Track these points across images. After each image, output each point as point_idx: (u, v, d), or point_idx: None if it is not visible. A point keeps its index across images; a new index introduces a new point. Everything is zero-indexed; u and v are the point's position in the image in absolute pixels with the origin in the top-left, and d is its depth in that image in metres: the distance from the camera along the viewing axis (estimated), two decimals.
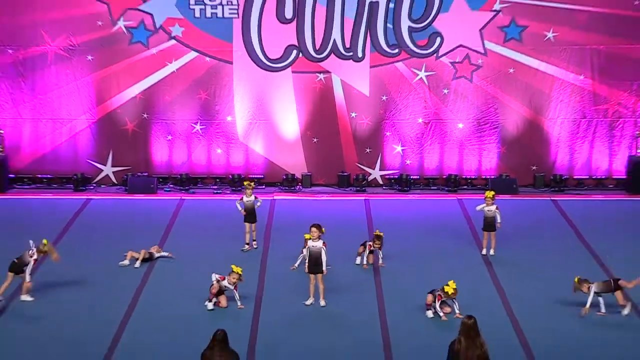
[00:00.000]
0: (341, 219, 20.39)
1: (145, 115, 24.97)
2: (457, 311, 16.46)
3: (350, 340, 15.77)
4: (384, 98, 24.85)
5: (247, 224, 20.04)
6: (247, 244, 20.03)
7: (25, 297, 17.25)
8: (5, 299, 17.05)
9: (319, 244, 16.94)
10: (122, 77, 24.77)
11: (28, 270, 17.22)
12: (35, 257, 17.36)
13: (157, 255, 19.51)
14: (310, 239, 17.05)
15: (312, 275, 17.10)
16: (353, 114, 24.95)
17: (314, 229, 17.00)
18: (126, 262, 19.22)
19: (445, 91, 24.80)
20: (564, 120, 24.91)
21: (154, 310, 16.93)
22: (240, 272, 17.09)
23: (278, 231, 19.94)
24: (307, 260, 17.10)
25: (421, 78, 24.73)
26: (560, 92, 24.76)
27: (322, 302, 17.14)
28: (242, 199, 20.16)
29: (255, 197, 20.18)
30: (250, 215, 20.05)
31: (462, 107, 24.90)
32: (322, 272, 16.98)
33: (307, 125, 25.05)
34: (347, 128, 25.03)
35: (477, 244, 20.48)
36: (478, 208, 19.93)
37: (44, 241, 17.68)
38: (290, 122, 25.02)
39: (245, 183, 20.56)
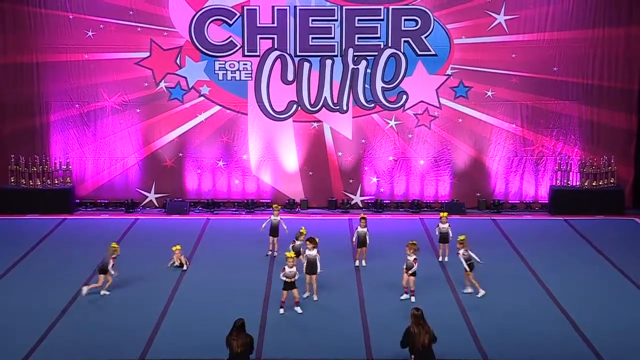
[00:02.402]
0: (330, 234, 20.34)
1: (180, 154, 24.96)
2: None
3: (336, 322, 15.93)
4: (363, 141, 24.87)
5: (270, 237, 20.00)
6: (271, 250, 19.96)
7: (105, 292, 17.40)
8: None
9: (314, 252, 17.19)
10: (163, 126, 24.78)
11: (110, 268, 17.45)
12: (113, 256, 17.62)
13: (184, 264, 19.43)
14: (304, 234, 18.06)
15: (308, 276, 17.29)
16: (340, 153, 24.96)
17: (308, 242, 17.29)
18: (176, 262, 19.24)
19: (410, 136, 24.83)
20: (501, 158, 24.94)
21: (187, 308, 16.89)
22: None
23: (283, 243, 19.88)
24: (305, 265, 17.22)
25: (391, 126, 24.76)
26: (498, 137, 24.81)
27: (315, 297, 17.22)
28: (270, 218, 20.19)
29: (281, 219, 20.12)
30: (274, 230, 20.09)
31: (423, 148, 24.93)
32: (316, 273, 17.19)
33: (304, 162, 25.05)
34: (335, 164, 25.05)
35: (434, 252, 20.49)
36: (436, 229, 19.87)
37: (113, 244, 17.83)
38: (291, 159, 25.03)
39: (273, 206, 20.64)
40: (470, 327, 15.70)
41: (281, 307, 16.33)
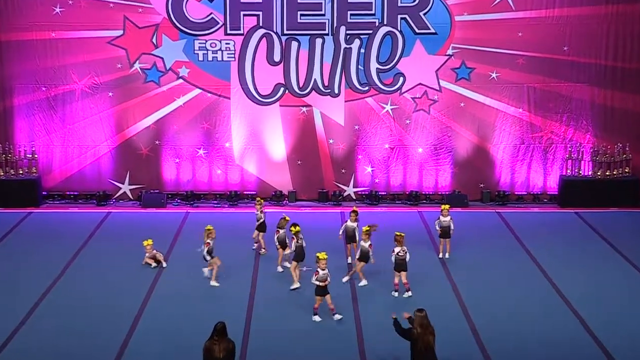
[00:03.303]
0: (321, 228, 20.32)
1: (157, 142, 24.86)
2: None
3: (327, 323, 16.01)
4: (357, 127, 24.82)
5: (256, 231, 20.01)
6: (256, 242, 20.04)
7: (214, 283, 17.92)
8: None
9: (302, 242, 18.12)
10: (137, 110, 24.65)
11: (205, 254, 17.89)
12: (208, 241, 18.00)
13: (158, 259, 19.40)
14: (287, 220, 18.68)
15: (295, 264, 18.01)
16: (331, 141, 24.91)
17: (293, 228, 18.18)
18: (154, 264, 19.16)
19: (408, 121, 24.79)
20: (506, 146, 24.93)
21: (164, 307, 16.85)
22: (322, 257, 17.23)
23: (270, 238, 19.86)
24: (295, 254, 18.07)
25: (387, 111, 24.72)
26: (503, 122, 24.78)
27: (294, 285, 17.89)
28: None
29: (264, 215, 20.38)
30: (260, 226, 20.15)
31: (422, 134, 24.89)
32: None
33: (292, 150, 24.99)
34: (326, 152, 24.99)
35: (434, 249, 20.47)
36: (436, 223, 19.87)
37: (208, 227, 18.01)
38: (278, 147, 24.97)
39: (256, 199, 20.68)
40: (473, 329, 15.71)
41: (315, 313, 16.07)
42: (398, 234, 17.78)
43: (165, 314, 16.47)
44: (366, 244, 17.86)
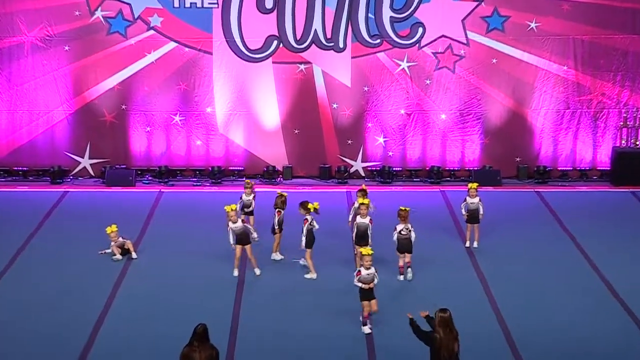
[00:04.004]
0: (322, 211, 20.26)
1: (123, 107, 24.80)
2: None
3: (333, 323, 16.15)
4: (366, 89, 24.77)
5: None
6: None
7: (257, 271, 18.34)
8: None
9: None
10: (99, 68, 24.57)
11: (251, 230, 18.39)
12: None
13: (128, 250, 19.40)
14: (285, 195, 19.04)
15: (307, 251, 18.20)
16: (334, 105, 24.86)
17: (300, 208, 18.35)
18: (118, 256, 19.14)
19: (428, 82, 24.73)
20: (548, 111, 24.89)
21: (133, 305, 16.85)
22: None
23: (260, 225, 19.84)
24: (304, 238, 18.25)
25: (403, 69, 24.65)
26: (544, 83, 24.72)
27: (312, 275, 18.13)
28: (241, 197, 20.21)
29: (254, 197, 20.38)
30: (248, 213, 20.18)
31: (445, 98, 24.84)
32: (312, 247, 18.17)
33: (287, 117, 24.95)
34: (329, 119, 24.95)
35: (460, 236, 20.45)
36: (462, 206, 19.88)
37: (232, 206, 18.16)
38: (270, 113, 24.91)
39: (246, 182, 20.49)
40: (506, 332, 15.73)
41: (364, 323, 15.82)
42: (403, 208, 18.09)
43: (134, 316, 16.45)
44: (365, 220, 18.03)
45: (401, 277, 18.06)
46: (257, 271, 18.24)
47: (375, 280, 15.84)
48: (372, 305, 15.84)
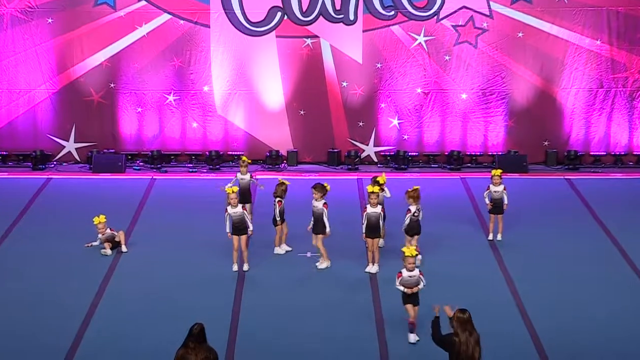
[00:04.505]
0: (331, 200, 20.23)
1: (112, 85, 24.82)
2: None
3: (340, 302, 16.61)
4: (379, 65, 24.75)
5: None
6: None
7: (245, 266, 18.34)
8: None
9: (319, 204, 18.33)
10: (86, 43, 24.60)
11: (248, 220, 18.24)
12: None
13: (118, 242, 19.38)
14: (287, 184, 19.06)
15: (314, 235, 18.38)
16: (344, 84, 24.85)
17: (314, 190, 18.38)
18: (108, 251, 19.14)
19: (447, 58, 24.72)
20: (579, 90, 24.86)
21: (122, 303, 16.85)
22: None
23: (261, 216, 19.83)
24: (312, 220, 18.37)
25: (420, 43, 24.63)
26: (575, 59, 24.71)
27: (325, 264, 18.42)
28: (236, 176, 20.29)
29: (252, 177, 20.50)
30: (244, 195, 19.93)
31: (466, 75, 24.83)
32: (322, 232, 18.27)
33: (292, 96, 24.96)
34: (338, 99, 24.95)
35: (482, 228, 20.44)
36: (485, 195, 19.85)
37: (234, 188, 18.30)
38: (274, 92, 24.92)
39: (242, 159, 20.55)
40: (533, 334, 15.70)
41: (411, 330, 15.46)
42: (415, 188, 18.48)
43: (124, 315, 16.43)
44: (377, 210, 18.05)
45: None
46: (246, 266, 18.23)
47: (421, 285, 15.45)
48: (415, 310, 15.43)
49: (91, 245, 19.34)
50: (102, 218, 19.37)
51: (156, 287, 17.58)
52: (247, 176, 20.32)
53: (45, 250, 19.24)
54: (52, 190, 23.19)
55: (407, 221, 18.36)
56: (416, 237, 18.38)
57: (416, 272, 15.45)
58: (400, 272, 15.51)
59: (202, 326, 12.60)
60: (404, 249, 15.72)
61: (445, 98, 24.98)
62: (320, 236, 18.32)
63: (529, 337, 15.66)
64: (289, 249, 19.18)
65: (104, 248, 19.14)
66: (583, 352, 15.20)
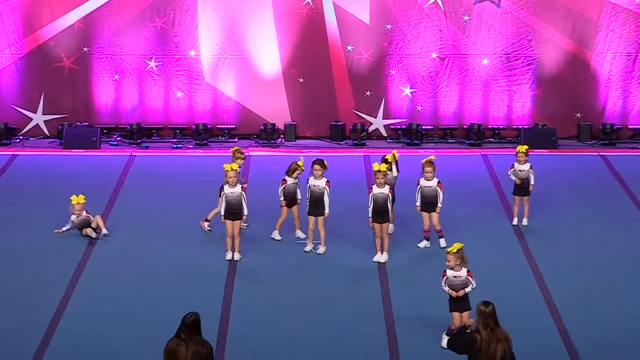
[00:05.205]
0: (334, 180, 20.30)
1: (85, 49, 24.89)
2: None
3: (348, 289, 16.69)
4: (389, 27, 24.80)
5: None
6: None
7: (237, 256, 18.35)
8: None
9: (321, 182, 18.41)
10: (56, 1, 24.65)
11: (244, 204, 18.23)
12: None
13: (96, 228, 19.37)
14: (302, 167, 18.92)
15: (311, 218, 18.41)
16: (349, 48, 24.90)
17: (316, 166, 18.44)
18: (93, 232, 19.14)
19: (467, 18, 24.78)
20: (616, 55, 24.92)
21: (98, 295, 16.88)
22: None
23: (255, 197, 19.84)
24: (308, 201, 18.48)
25: (435, 1, 24.69)
26: (611, 20, 24.78)
27: (321, 250, 18.47)
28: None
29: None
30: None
31: (487, 38, 24.89)
32: (323, 214, 18.38)
33: (290, 62, 25.03)
34: (342, 65, 25.01)
35: (506, 212, 20.51)
36: (510, 173, 19.88)
37: (233, 165, 18.25)
38: (269, 57, 25.00)
39: (232, 151, 19.93)
40: (563, 331, 15.71)
41: (448, 334, 15.18)
42: (432, 157, 18.68)
43: (100, 308, 16.42)
44: (384, 191, 18.05)
45: (427, 244, 18.58)
46: (237, 256, 18.27)
47: (469, 288, 15.10)
48: (464, 318, 14.84)
49: (61, 232, 19.34)
50: (81, 198, 19.26)
51: (135, 278, 17.60)
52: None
53: (10, 237, 19.27)
54: (18, 168, 23.27)
55: (418, 195, 18.52)
56: (434, 214, 18.49)
57: (463, 272, 15.08)
58: (445, 272, 15.17)
59: (196, 316, 12.48)
60: (453, 247, 15.25)
61: (464, 64, 25.05)
62: (321, 218, 18.40)
63: (557, 334, 15.70)
64: (303, 236, 19.14)
65: (81, 232, 19.12)
66: (619, 351, 15.24)
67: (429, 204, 18.47)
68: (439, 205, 18.45)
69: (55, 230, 19.40)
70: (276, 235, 19.24)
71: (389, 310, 16.38)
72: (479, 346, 12.51)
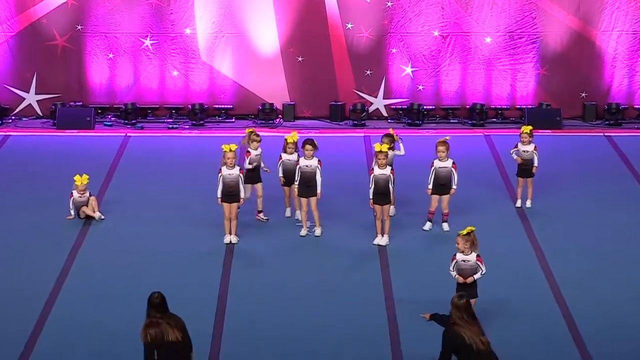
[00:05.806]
0: (334, 161, 20.28)
1: (79, 27, 24.85)
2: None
3: (348, 273, 16.73)
4: (389, 4, 24.74)
5: (248, 185, 19.18)
6: (261, 211, 19.56)
7: (234, 239, 18.42)
8: None
9: (313, 162, 18.34)
10: None
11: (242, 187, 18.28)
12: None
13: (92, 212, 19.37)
14: (293, 142, 18.82)
15: (303, 200, 18.45)
16: (349, 25, 24.86)
17: (308, 146, 18.36)
18: (98, 214, 19.19)
19: None
20: (621, 33, 24.88)
21: (92, 281, 16.89)
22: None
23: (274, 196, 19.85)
24: (297, 182, 18.43)
25: None
26: None
27: (318, 231, 18.50)
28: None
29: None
30: (252, 174, 19.32)
31: (491, 15, 24.85)
32: (315, 194, 18.35)
33: (289, 40, 24.99)
34: (342, 43, 24.97)
35: (509, 194, 20.50)
36: (512, 152, 19.86)
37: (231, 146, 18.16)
38: (267, 35, 24.96)
39: (247, 132, 19.76)
40: (567, 314, 15.70)
41: None
42: (448, 137, 18.80)
43: (94, 294, 16.44)
44: (385, 172, 17.97)
45: (429, 226, 18.64)
46: (235, 239, 18.27)
47: (478, 274, 14.93)
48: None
49: (72, 218, 19.24)
50: (84, 178, 19.18)
51: (130, 261, 17.61)
52: (259, 151, 19.37)
53: (1, 219, 19.29)
54: (10, 149, 23.29)
55: (431, 177, 18.51)
56: (446, 197, 18.54)
57: (473, 256, 14.94)
58: (455, 256, 15.04)
59: (161, 295, 12.66)
60: (465, 229, 15.08)
61: (467, 42, 25.01)
62: (314, 199, 18.35)
63: (562, 320, 15.69)
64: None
65: (78, 214, 19.10)
66: (624, 338, 15.23)
67: (442, 186, 18.43)
68: (454, 187, 18.45)
69: (68, 217, 19.29)
70: (287, 212, 19.35)
71: (390, 294, 16.39)
72: (461, 339, 12.24)
